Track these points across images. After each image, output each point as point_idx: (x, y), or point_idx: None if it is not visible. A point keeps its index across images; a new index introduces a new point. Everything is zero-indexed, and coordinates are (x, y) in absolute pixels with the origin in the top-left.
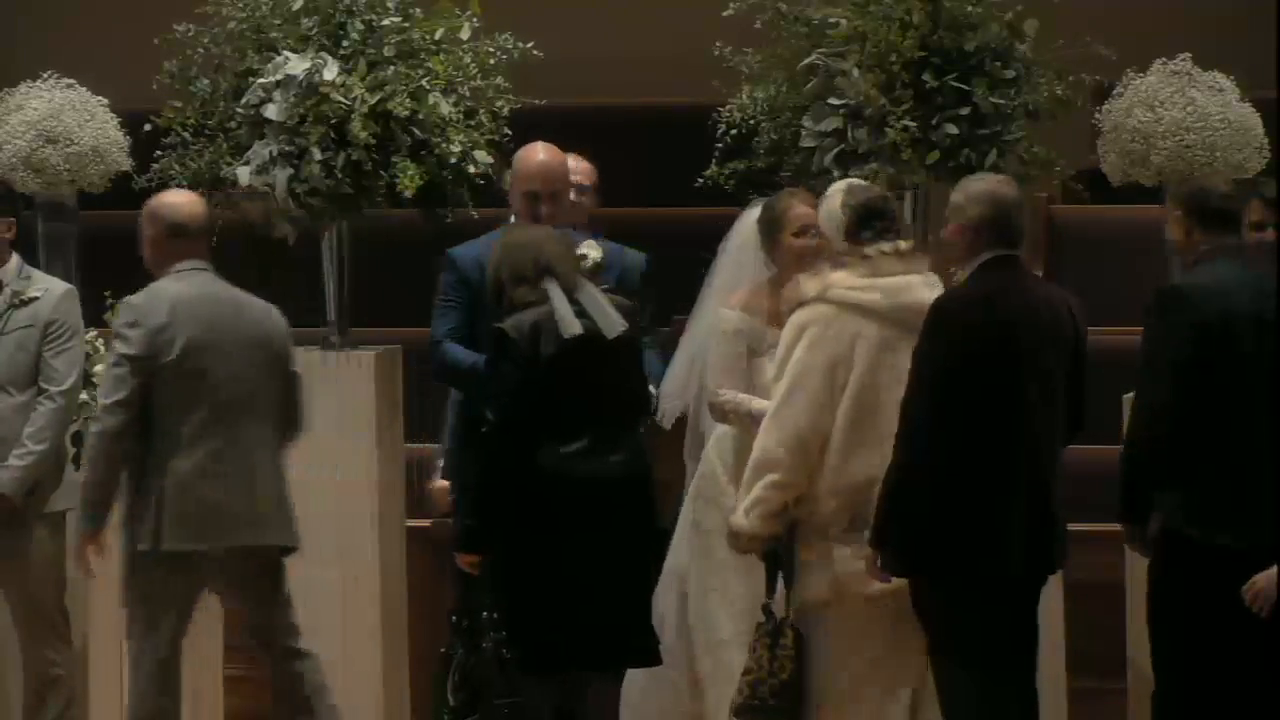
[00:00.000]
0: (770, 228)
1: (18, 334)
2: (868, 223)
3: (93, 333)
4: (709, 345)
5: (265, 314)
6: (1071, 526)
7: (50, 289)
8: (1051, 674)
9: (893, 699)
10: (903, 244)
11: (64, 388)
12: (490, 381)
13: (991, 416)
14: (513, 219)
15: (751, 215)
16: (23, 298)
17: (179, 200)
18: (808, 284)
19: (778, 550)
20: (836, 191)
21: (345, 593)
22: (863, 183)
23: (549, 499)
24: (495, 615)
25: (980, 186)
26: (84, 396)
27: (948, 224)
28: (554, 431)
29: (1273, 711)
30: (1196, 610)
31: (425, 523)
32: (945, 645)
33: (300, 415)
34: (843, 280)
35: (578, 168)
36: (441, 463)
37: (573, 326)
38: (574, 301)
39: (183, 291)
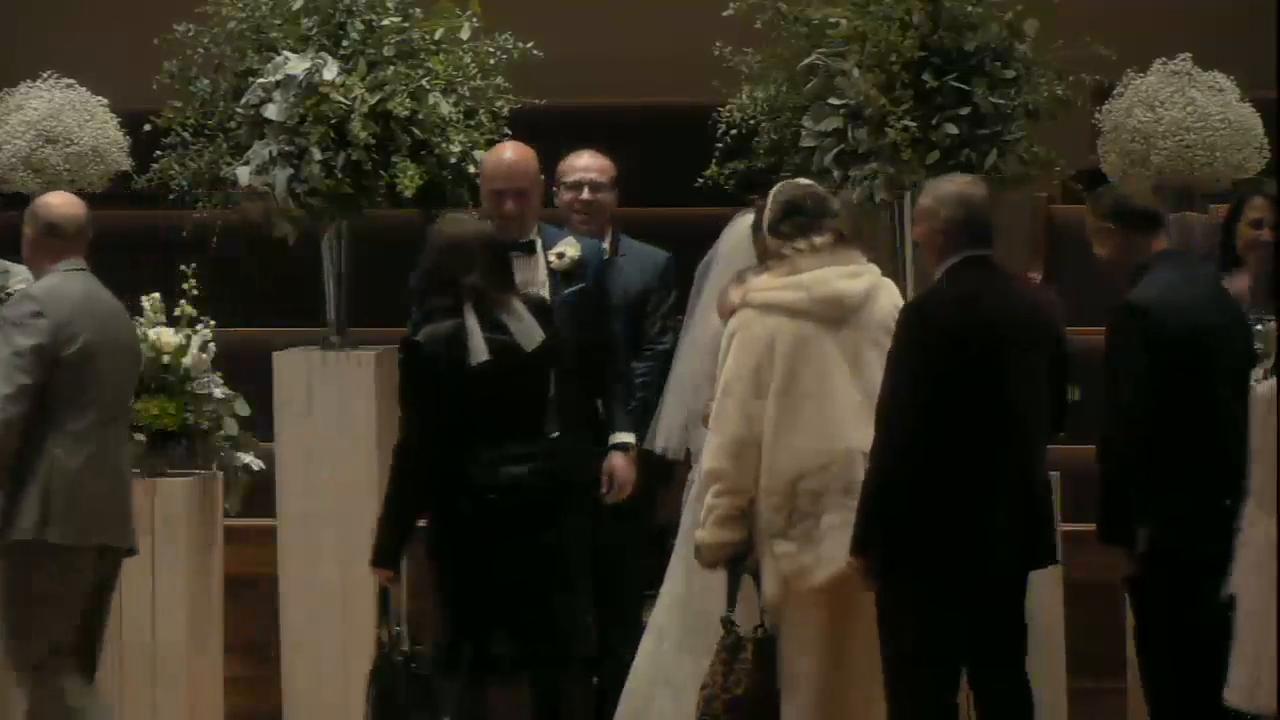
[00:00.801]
0: (760, 230)
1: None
2: (788, 217)
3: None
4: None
5: (129, 319)
6: (1072, 527)
7: (30, 278)
8: (1051, 674)
9: (861, 687)
10: (818, 239)
11: None
12: (403, 392)
13: (967, 416)
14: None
15: (738, 223)
16: (6, 291)
17: (56, 201)
18: (734, 292)
19: (739, 562)
20: (773, 189)
21: (345, 593)
22: (800, 181)
23: (465, 509)
24: (404, 628)
25: (949, 188)
26: None
27: (916, 226)
28: (470, 441)
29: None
30: (1190, 621)
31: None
32: (916, 646)
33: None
34: (762, 283)
35: (594, 164)
36: None
37: (480, 354)
38: (491, 314)
39: (76, 290)
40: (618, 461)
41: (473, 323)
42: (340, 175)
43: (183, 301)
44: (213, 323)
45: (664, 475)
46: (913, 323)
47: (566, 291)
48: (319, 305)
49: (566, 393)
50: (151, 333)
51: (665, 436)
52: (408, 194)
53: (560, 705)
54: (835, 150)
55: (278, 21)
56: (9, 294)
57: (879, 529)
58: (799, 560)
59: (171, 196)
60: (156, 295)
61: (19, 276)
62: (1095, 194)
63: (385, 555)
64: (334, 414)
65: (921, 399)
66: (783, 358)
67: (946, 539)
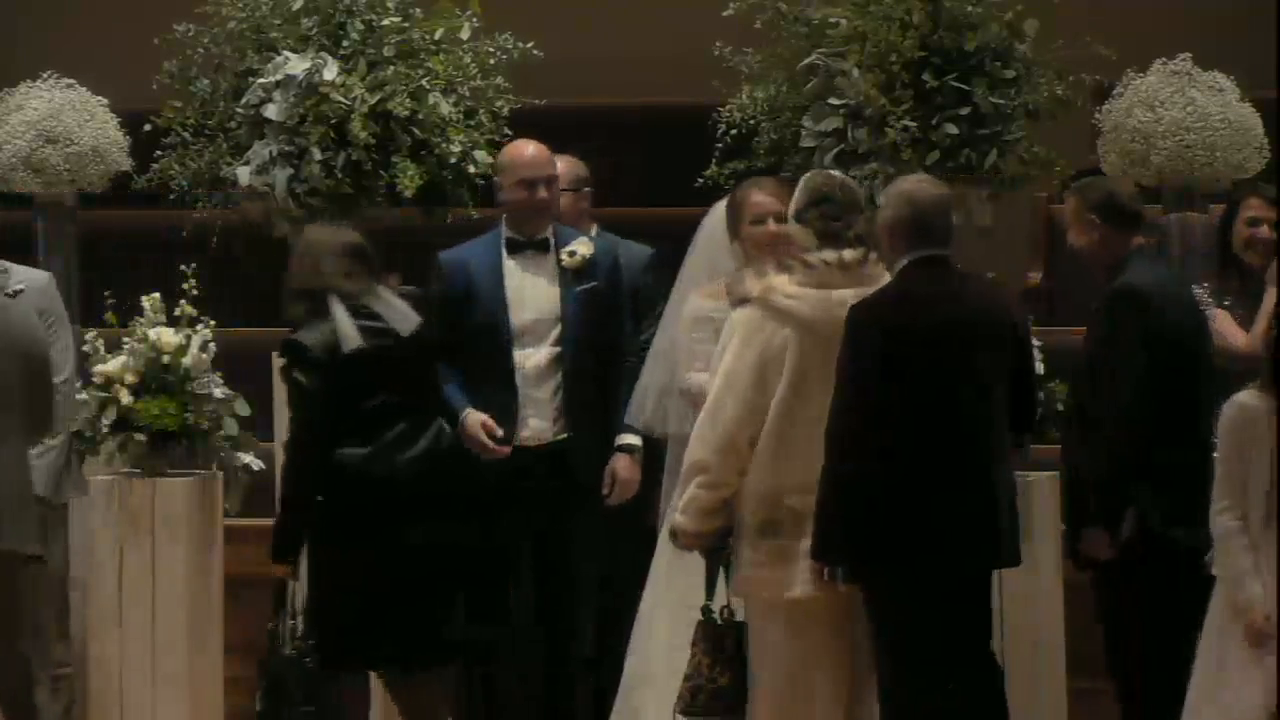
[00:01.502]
0: (732, 218)
1: None
2: (815, 205)
3: (92, 332)
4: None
5: (19, 311)
6: None
7: (31, 281)
8: (1051, 674)
9: (815, 707)
10: (848, 255)
11: (63, 378)
12: (289, 391)
13: (916, 416)
14: (504, 218)
15: (717, 210)
16: (6, 292)
17: None
18: (752, 283)
19: (720, 551)
20: (804, 176)
21: None
22: (831, 171)
23: (354, 499)
24: (298, 622)
25: (899, 187)
26: (83, 396)
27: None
28: (355, 434)
29: None
30: (1178, 608)
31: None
32: (896, 647)
33: (52, 417)
34: (782, 286)
35: (566, 169)
36: None
37: (352, 340)
38: (362, 306)
39: None
40: (621, 463)
41: (341, 313)
42: (340, 175)
43: (183, 301)
44: (213, 323)
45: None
46: (852, 324)
47: (577, 290)
48: None
49: (576, 393)
50: (151, 333)
51: (644, 412)
52: (408, 194)
53: (431, 700)
54: (835, 150)
55: (278, 21)
56: (8, 294)
57: (836, 534)
58: (763, 573)
59: (171, 196)
60: (156, 295)
61: (18, 277)
62: (1084, 184)
63: (284, 550)
64: None
65: (866, 399)
66: (792, 370)
67: (902, 538)
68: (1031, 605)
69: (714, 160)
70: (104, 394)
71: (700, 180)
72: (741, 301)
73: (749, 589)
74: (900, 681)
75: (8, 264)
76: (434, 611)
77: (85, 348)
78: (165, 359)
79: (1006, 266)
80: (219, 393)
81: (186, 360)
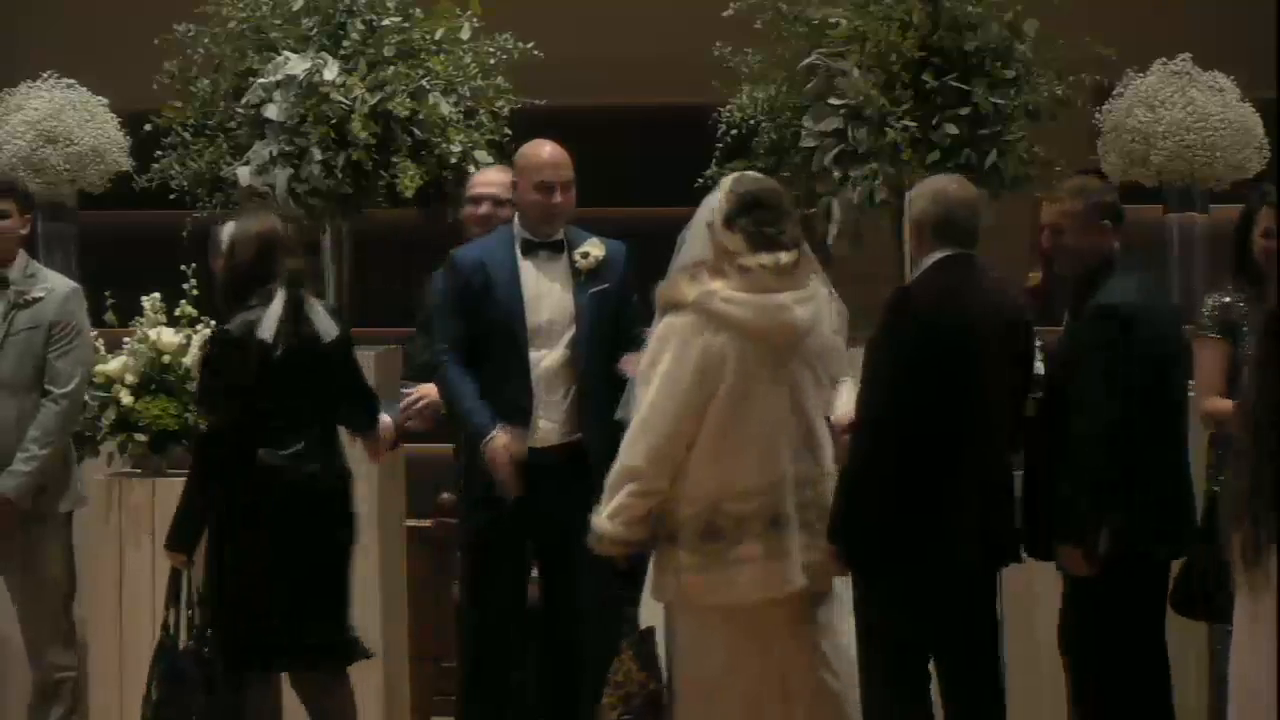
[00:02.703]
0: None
1: (22, 335)
2: (747, 212)
3: (93, 333)
4: None
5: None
6: None
7: (55, 289)
8: (1052, 674)
9: (748, 710)
10: (784, 257)
11: (68, 389)
12: (209, 382)
13: (938, 410)
14: (516, 217)
15: (710, 200)
16: (26, 298)
17: None
18: (686, 287)
19: (642, 557)
20: (726, 179)
21: None
22: (757, 175)
23: (260, 499)
24: (195, 612)
25: (931, 186)
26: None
27: (908, 224)
28: (269, 434)
29: None
30: (1142, 618)
31: (426, 523)
32: (888, 639)
33: None
34: (719, 290)
35: (497, 179)
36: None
37: (285, 338)
38: (299, 306)
39: None
40: None
41: (278, 308)
42: (340, 175)
43: (183, 301)
44: (213, 323)
45: None
46: (888, 316)
47: (590, 291)
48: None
49: (588, 394)
50: (151, 333)
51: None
52: (408, 194)
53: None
54: (835, 150)
55: (278, 21)
56: (30, 301)
57: (852, 516)
58: (702, 577)
59: (171, 196)
60: (156, 295)
61: (43, 284)
62: (1085, 187)
63: (181, 539)
64: None
65: (892, 391)
66: (733, 375)
67: (913, 530)
68: (1031, 605)
69: (714, 160)
70: (104, 394)
71: (700, 180)
72: (674, 307)
73: (687, 594)
74: (876, 677)
75: (38, 268)
76: (339, 613)
77: (87, 350)
78: (165, 359)
79: (1006, 266)
80: None
81: (186, 360)
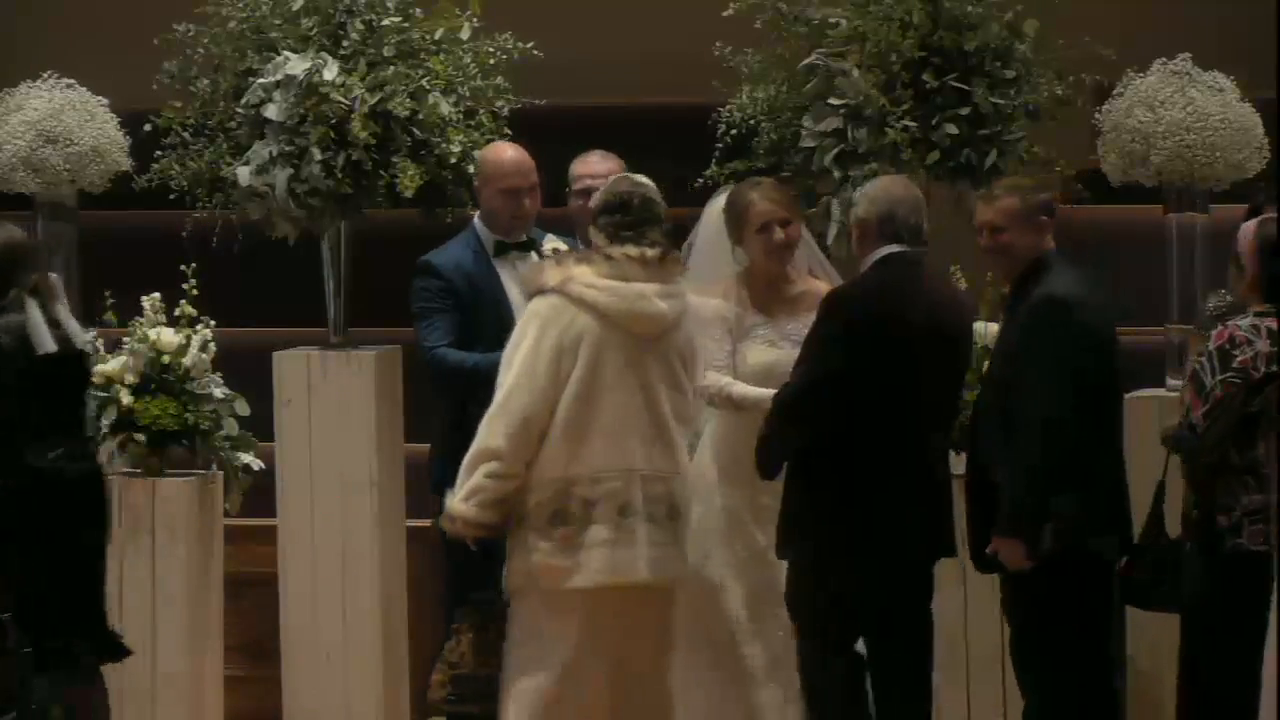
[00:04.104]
0: (734, 222)
1: None
2: (610, 214)
3: (93, 333)
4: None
5: None
6: None
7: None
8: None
9: (583, 698)
10: (650, 252)
11: None
12: None
13: (876, 406)
14: (478, 220)
15: (716, 205)
16: None
17: None
18: (550, 272)
19: (495, 541)
20: (611, 180)
21: (345, 593)
22: (637, 178)
23: (36, 501)
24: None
25: (873, 186)
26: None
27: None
28: (29, 433)
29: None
30: (1085, 614)
31: (425, 523)
32: (822, 630)
33: None
34: (582, 276)
35: (602, 168)
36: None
37: (47, 344)
38: (49, 310)
39: None
40: None
41: (37, 315)
42: (340, 175)
43: (183, 301)
44: (213, 323)
45: None
46: (827, 310)
47: None
48: (319, 305)
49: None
50: (151, 333)
51: None
52: (408, 194)
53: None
54: (835, 150)
55: (278, 21)
56: None
57: (788, 507)
58: (552, 561)
59: (171, 196)
60: (156, 295)
61: None
62: (1022, 186)
63: None
64: (334, 414)
65: (829, 385)
66: (587, 360)
67: (850, 524)
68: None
69: (714, 160)
70: (104, 394)
71: (700, 180)
72: (539, 291)
73: (534, 578)
74: (819, 666)
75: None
76: (94, 611)
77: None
78: (165, 359)
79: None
80: (219, 393)
81: (186, 360)
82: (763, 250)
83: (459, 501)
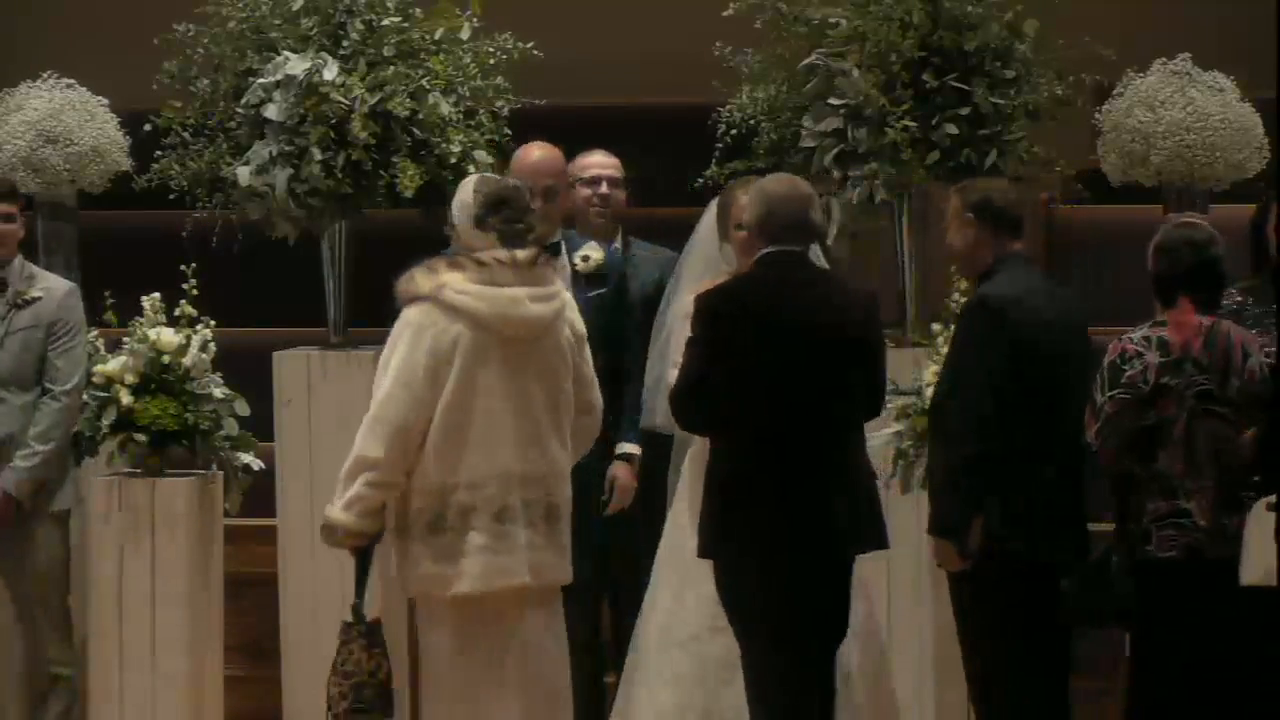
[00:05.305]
0: (721, 220)
1: (21, 334)
2: (494, 212)
3: (93, 333)
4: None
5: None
6: None
7: (52, 288)
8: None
9: (486, 703)
10: (521, 255)
11: (68, 387)
12: None
13: (755, 401)
14: None
15: (711, 210)
16: (25, 298)
17: None
18: (421, 281)
19: (368, 551)
20: (468, 180)
21: (345, 592)
22: (495, 176)
23: None
24: None
25: (759, 186)
26: (84, 396)
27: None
28: None
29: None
30: (1015, 616)
31: None
32: (749, 626)
33: None
34: (454, 282)
35: (608, 161)
36: None
37: None
38: None
39: None
40: (622, 471)
41: None
42: (340, 175)
43: (183, 301)
44: (213, 323)
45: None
46: (698, 310)
47: (590, 294)
48: (319, 305)
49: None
50: (151, 333)
51: (656, 413)
52: (408, 194)
53: None
54: (835, 150)
55: (278, 21)
56: (29, 300)
57: (706, 508)
58: (431, 569)
59: (171, 196)
60: (156, 295)
61: (41, 283)
62: (965, 185)
63: None
64: (334, 414)
65: (708, 384)
66: (462, 366)
67: (755, 521)
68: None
69: (714, 160)
70: (104, 394)
71: (700, 180)
72: (411, 300)
73: (419, 587)
74: (755, 665)
75: (34, 269)
76: None
77: (87, 348)
78: (165, 359)
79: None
80: (219, 393)
81: (186, 360)
82: (742, 246)
83: (339, 511)
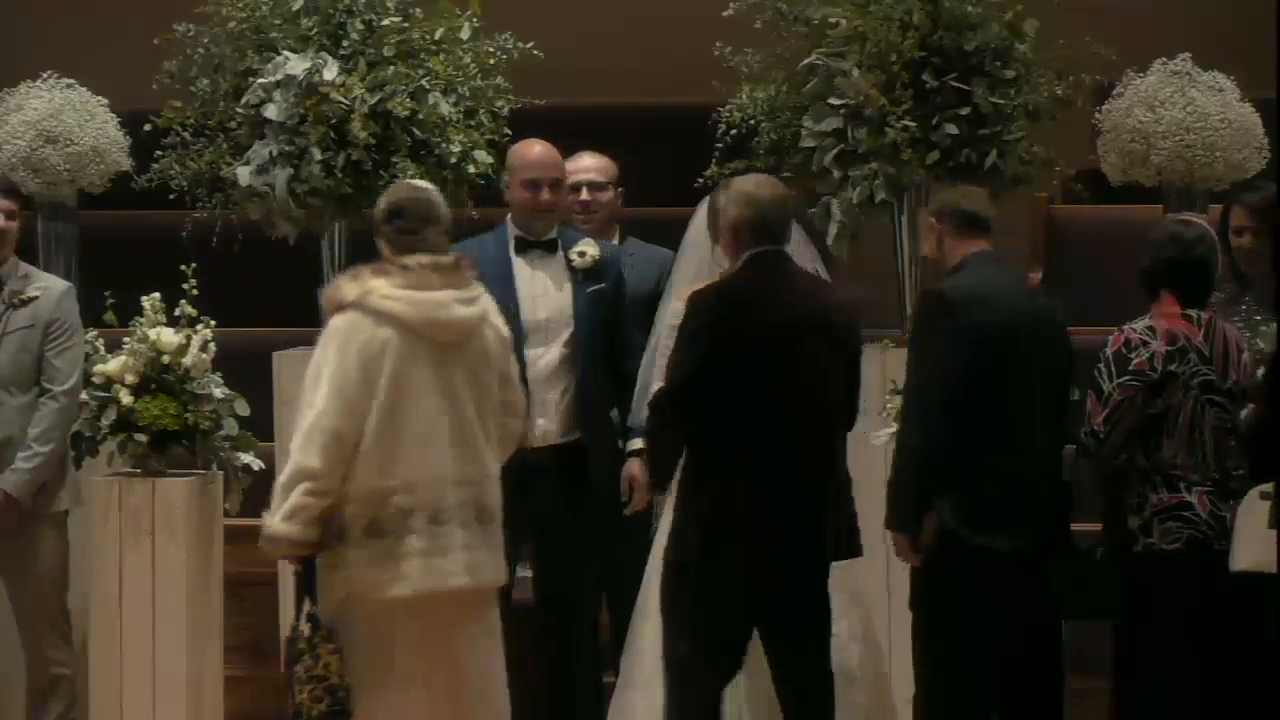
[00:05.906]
0: (712, 222)
1: (19, 334)
2: (390, 221)
3: (93, 332)
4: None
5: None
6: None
7: (49, 288)
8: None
9: (418, 702)
10: (444, 259)
11: (67, 387)
12: None
13: (747, 406)
14: (509, 217)
15: (701, 212)
16: (22, 298)
17: None
18: (347, 288)
19: (313, 560)
20: (394, 186)
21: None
22: (415, 184)
23: None
24: None
25: (738, 188)
26: (83, 396)
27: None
28: None
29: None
30: (967, 612)
31: None
32: (701, 632)
33: None
34: (380, 288)
35: (592, 165)
36: None
37: None
38: None
39: None
40: (634, 468)
41: None
42: (340, 175)
43: (183, 301)
44: (213, 323)
45: None
46: (691, 309)
47: (587, 290)
48: (319, 305)
49: (587, 394)
50: (151, 333)
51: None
52: None
53: None
54: (835, 150)
55: (278, 21)
56: (25, 300)
57: (679, 516)
58: (370, 573)
59: (171, 196)
60: (156, 295)
61: (37, 283)
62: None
63: None
64: None
65: (699, 385)
66: (391, 371)
67: (728, 524)
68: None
69: (714, 160)
70: (104, 394)
71: (700, 180)
72: (338, 308)
73: (356, 588)
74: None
75: (30, 269)
76: None
77: (85, 347)
78: (165, 359)
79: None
80: (219, 393)
81: (186, 360)
82: (725, 250)
83: (280, 522)
